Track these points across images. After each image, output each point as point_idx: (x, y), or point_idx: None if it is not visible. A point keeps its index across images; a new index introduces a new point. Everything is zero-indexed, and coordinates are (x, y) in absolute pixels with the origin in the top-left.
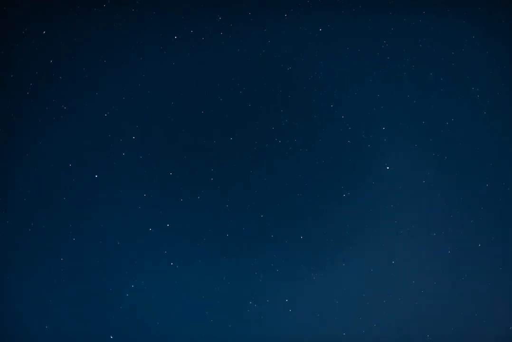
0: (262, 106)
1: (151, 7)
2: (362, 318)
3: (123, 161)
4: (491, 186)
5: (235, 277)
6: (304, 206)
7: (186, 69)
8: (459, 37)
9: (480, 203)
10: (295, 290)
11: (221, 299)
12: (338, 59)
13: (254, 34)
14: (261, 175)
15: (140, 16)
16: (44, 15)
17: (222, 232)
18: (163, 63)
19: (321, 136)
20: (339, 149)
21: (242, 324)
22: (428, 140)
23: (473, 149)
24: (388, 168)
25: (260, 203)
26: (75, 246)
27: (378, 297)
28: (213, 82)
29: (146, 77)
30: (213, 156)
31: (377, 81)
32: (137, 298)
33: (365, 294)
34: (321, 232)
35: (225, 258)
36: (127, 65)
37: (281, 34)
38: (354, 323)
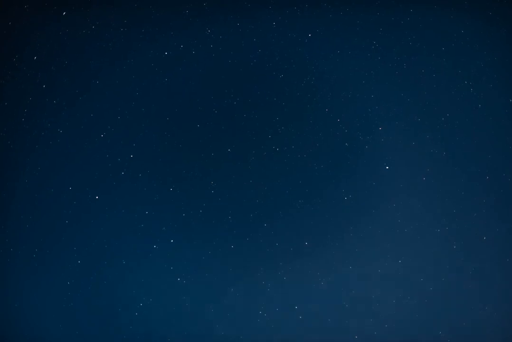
0: (257, 115)
1: (140, 24)
2: (373, 319)
3: (122, 180)
4: (492, 178)
5: (243, 288)
6: (306, 212)
7: (178, 84)
8: (448, 32)
9: (481, 196)
10: (304, 296)
11: (230, 311)
12: (329, 63)
13: (244, 44)
14: (261, 184)
15: (129, 35)
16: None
17: (227, 244)
18: (155, 80)
19: (318, 141)
20: (337, 152)
21: (253, 335)
22: (425, 136)
23: (470, 142)
24: (387, 168)
25: (262, 212)
26: (80, 269)
27: (387, 297)
28: (206, 94)
29: (140, 95)
30: (212, 169)
31: (370, 82)
32: (147, 316)
33: (374, 295)
34: (326, 237)
35: (231, 270)
36: (119, 85)
37: (271, 42)
38: (365, 325)
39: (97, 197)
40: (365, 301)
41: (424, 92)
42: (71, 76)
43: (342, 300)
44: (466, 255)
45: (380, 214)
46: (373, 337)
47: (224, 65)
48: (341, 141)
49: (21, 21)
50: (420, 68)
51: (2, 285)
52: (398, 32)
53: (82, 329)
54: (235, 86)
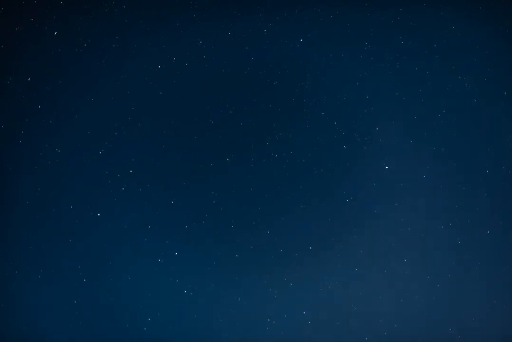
0: (254, 123)
1: (132, 38)
2: (382, 320)
3: (123, 196)
4: (492, 172)
5: (250, 297)
6: (309, 216)
7: (173, 97)
8: (438, 29)
9: (483, 190)
10: (311, 301)
11: (239, 320)
12: (322, 67)
13: (237, 52)
14: (262, 191)
15: (121, 50)
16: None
17: (231, 254)
18: (150, 94)
19: (317, 145)
20: (336, 155)
21: None
22: (423, 134)
23: (468, 137)
24: (387, 167)
25: (265, 219)
26: (86, 287)
27: (395, 297)
28: (202, 105)
29: (135, 110)
30: (212, 179)
31: (364, 83)
32: (156, 331)
33: (381, 296)
34: (330, 241)
35: (237, 279)
36: (114, 101)
37: (263, 49)
38: (375, 326)
39: (98, 215)
40: (373, 302)
41: (419, 90)
42: (67, 95)
43: (350, 303)
44: (471, 250)
45: (382, 214)
46: (383, 337)
47: (218, 74)
48: (339, 143)
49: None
50: (413, 66)
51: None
52: (389, 32)
53: None
54: (230, 95)
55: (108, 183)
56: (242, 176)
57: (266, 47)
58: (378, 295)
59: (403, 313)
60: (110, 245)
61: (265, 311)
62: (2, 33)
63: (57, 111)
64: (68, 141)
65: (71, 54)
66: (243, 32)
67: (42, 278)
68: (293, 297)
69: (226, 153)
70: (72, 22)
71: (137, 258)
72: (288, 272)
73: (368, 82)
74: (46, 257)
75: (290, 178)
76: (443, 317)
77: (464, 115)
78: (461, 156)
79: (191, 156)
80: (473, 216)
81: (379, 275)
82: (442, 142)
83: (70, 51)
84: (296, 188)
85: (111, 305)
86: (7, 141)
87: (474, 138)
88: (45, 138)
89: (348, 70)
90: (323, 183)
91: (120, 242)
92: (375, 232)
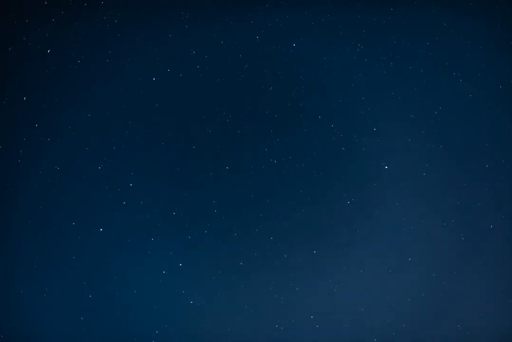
0: (251, 130)
1: (126, 52)
2: (390, 320)
3: (124, 210)
4: (491, 166)
5: (257, 304)
6: (311, 220)
7: (170, 108)
8: (430, 26)
9: (483, 185)
10: (318, 305)
11: (247, 328)
12: (316, 70)
13: (230, 61)
14: (263, 198)
15: (117, 64)
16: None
17: (235, 261)
18: (146, 107)
19: (315, 148)
20: (335, 157)
21: None
22: (421, 132)
23: (466, 133)
24: (386, 167)
25: (267, 225)
26: (92, 303)
27: (402, 297)
28: (198, 115)
29: (132, 123)
30: (213, 188)
31: (359, 85)
32: None
33: (388, 296)
34: (333, 243)
35: (243, 287)
36: (110, 115)
37: (256, 56)
38: (383, 327)
39: (101, 230)
40: (380, 303)
41: (414, 88)
42: (63, 112)
43: (357, 305)
44: (475, 245)
45: (384, 214)
46: (392, 337)
47: (212, 83)
48: (337, 146)
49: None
50: (407, 65)
51: None
52: (381, 32)
53: None
54: (226, 103)
55: (109, 197)
56: (242, 183)
57: (259, 53)
58: (384, 296)
59: (411, 312)
60: (114, 259)
61: (273, 317)
62: None
63: (54, 128)
64: (66, 158)
65: (65, 71)
66: (235, 40)
67: (48, 296)
68: (300, 302)
69: (225, 161)
70: (65, 39)
71: (141, 271)
72: (293, 277)
73: (363, 83)
74: (50, 274)
75: (290, 183)
76: (451, 314)
77: (460, 111)
78: (459, 152)
79: (190, 166)
80: (475, 211)
81: (385, 275)
82: (440, 139)
83: (64, 68)
84: (297, 192)
85: (118, 320)
86: (6, 161)
87: (472, 133)
88: (43, 156)
89: (342, 72)
90: (323, 186)
91: (124, 256)
92: (378, 233)
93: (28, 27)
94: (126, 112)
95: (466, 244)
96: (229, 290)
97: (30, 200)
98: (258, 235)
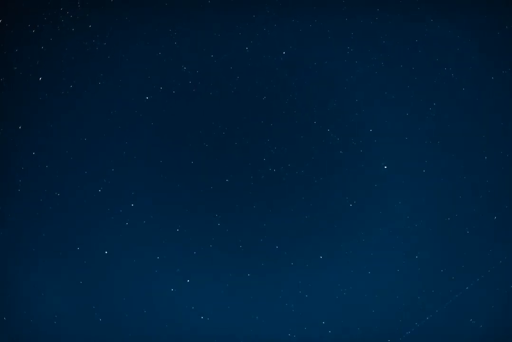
0: (248, 141)
1: (118, 74)
2: (402, 320)
3: (128, 231)
4: (490, 158)
5: (268, 314)
6: (315, 226)
7: (164, 126)
8: (418, 23)
9: (483, 178)
10: (329, 310)
11: (260, 339)
12: (308, 76)
13: (222, 73)
14: (264, 207)
15: (109, 86)
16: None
17: (243, 273)
18: (141, 126)
19: (313, 154)
20: (333, 162)
21: None
22: (417, 129)
23: (462, 127)
24: (385, 167)
25: (272, 235)
26: (101, 324)
27: (411, 295)
28: (194, 130)
29: (129, 144)
30: (214, 202)
31: (352, 87)
32: None
33: (398, 295)
34: (339, 247)
35: (252, 298)
36: (106, 138)
37: (247, 67)
38: (396, 327)
39: (106, 252)
40: (390, 302)
41: (407, 86)
42: (59, 138)
43: (368, 307)
44: (481, 237)
45: (388, 214)
46: (406, 337)
47: (206, 98)
48: (335, 150)
49: None
50: (398, 64)
51: None
52: (369, 33)
53: None
54: (220, 117)
55: (111, 219)
56: (243, 195)
57: (250, 64)
58: (395, 295)
59: (423, 311)
60: (121, 281)
61: (285, 326)
62: None
63: (51, 155)
64: (65, 184)
65: (58, 98)
66: (225, 53)
67: (58, 323)
68: (310, 309)
69: (224, 174)
70: (56, 66)
71: (149, 291)
72: (302, 285)
73: (356, 85)
74: (59, 302)
75: (291, 190)
76: (461, 309)
77: (454, 106)
78: (457, 146)
79: (190, 182)
80: (478, 204)
81: (393, 275)
82: (436, 134)
83: (57, 95)
84: (299, 199)
85: (122, 336)
86: (6, 192)
87: (468, 126)
88: (42, 184)
89: (334, 76)
90: (324, 192)
91: (131, 277)
92: (383, 233)
93: (20, 55)
94: (121, 133)
95: (471, 237)
96: (239, 302)
97: (33, 229)
98: (263, 245)
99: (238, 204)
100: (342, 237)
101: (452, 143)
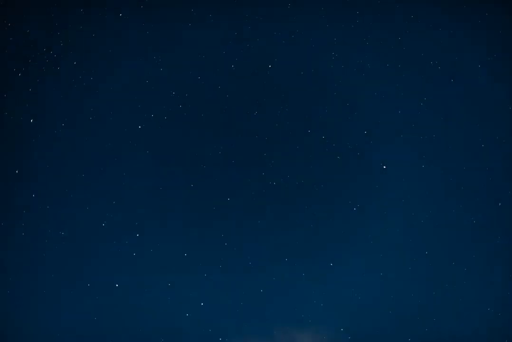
0: (245, 157)
1: (110, 106)
2: (413, 319)
3: (136, 261)
4: (488, 151)
5: (281, 320)
6: (320, 233)
7: (161, 152)
8: (413, 24)
9: (483, 167)
10: (342, 314)
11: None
12: (298, 84)
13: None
14: (270, 221)
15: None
16: None
17: (256, 289)
18: (138, 155)
19: (311, 163)
20: (332, 168)
21: None
22: (411, 126)
23: (458, 126)
24: (384, 167)
25: (278, 244)
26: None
27: (425, 293)
28: (192, 153)
29: (127, 174)
30: (219, 221)
31: (343, 92)
32: None
33: (413, 294)
34: (347, 252)
35: (267, 314)
36: (107, 170)
37: (235, 84)
38: (409, 325)
39: (117, 285)
40: (403, 302)
41: (401, 88)
42: (58, 176)
43: (380, 308)
44: (487, 225)
45: (392, 214)
46: (425, 333)
47: (197, 119)
48: (333, 156)
49: None
50: (395, 65)
51: None
52: (357, 38)
53: None
54: (214, 136)
55: (118, 251)
56: (246, 211)
57: (239, 81)
58: (410, 293)
59: (433, 309)
60: (136, 310)
61: (300, 336)
62: None
63: (53, 195)
64: (68, 223)
65: (51, 138)
66: (212, 72)
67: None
68: (322, 317)
69: (226, 192)
70: (46, 107)
71: (165, 318)
72: (315, 294)
73: (347, 89)
74: (70, 329)
75: (293, 201)
76: (471, 307)
77: (452, 104)
78: (454, 142)
79: (192, 205)
80: (482, 194)
81: (403, 274)
82: (431, 130)
83: (50, 135)
84: (302, 209)
85: None
86: (11, 237)
87: (464, 126)
88: (48, 225)
89: (324, 83)
90: (327, 199)
91: (145, 306)
92: (390, 233)
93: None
94: (119, 165)
95: (478, 226)
96: (255, 320)
97: (43, 260)
98: (273, 260)
99: (243, 221)
100: (350, 242)
101: (449, 139)
